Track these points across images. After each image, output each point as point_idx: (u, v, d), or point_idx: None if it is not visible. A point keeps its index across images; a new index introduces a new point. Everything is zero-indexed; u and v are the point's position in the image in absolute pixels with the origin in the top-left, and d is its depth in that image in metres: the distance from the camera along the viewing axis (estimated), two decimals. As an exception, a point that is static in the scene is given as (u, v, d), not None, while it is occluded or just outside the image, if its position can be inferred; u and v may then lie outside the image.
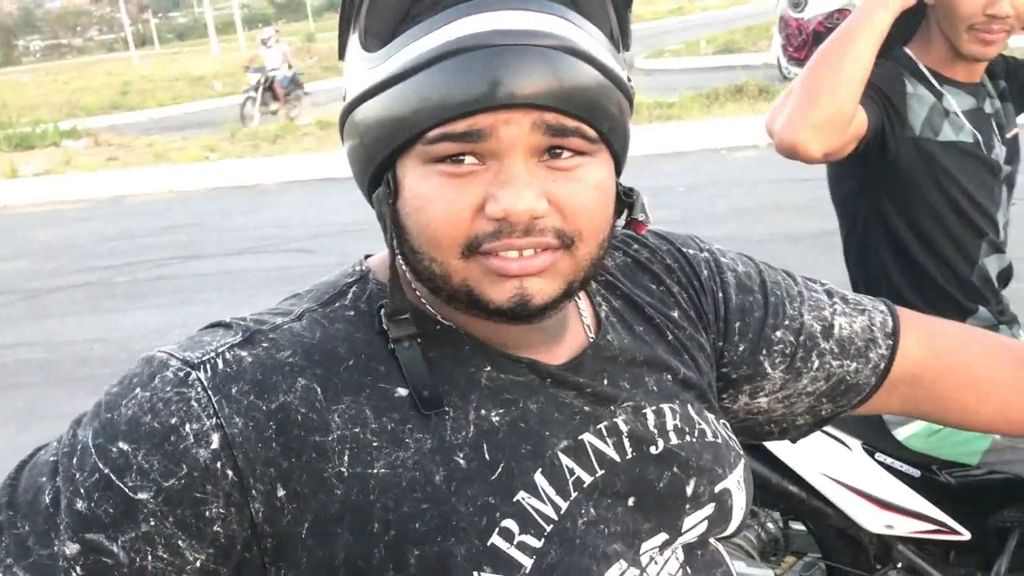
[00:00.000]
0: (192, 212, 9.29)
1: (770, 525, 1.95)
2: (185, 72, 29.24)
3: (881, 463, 1.76)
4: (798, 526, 1.98)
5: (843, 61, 1.47)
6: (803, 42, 1.83)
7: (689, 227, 0.83)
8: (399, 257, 0.73)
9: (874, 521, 1.74)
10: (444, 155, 0.67)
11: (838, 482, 1.75)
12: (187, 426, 0.67)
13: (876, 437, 1.76)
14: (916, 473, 1.76)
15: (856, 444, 1.77)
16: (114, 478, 0.66)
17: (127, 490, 0.66)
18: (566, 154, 0.68)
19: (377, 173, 0.71)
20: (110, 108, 24.21)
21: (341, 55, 0.74)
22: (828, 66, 1.47)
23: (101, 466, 0.67)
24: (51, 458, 0.70)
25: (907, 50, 1.70)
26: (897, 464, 1.76)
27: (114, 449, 0.67)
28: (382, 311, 0.73)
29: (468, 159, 0.67)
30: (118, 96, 26.39)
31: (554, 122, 0.66)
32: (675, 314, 0.87)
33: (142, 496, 0.66)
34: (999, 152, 1.73)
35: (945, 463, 1.76)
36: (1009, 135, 1.77)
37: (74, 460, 0.68)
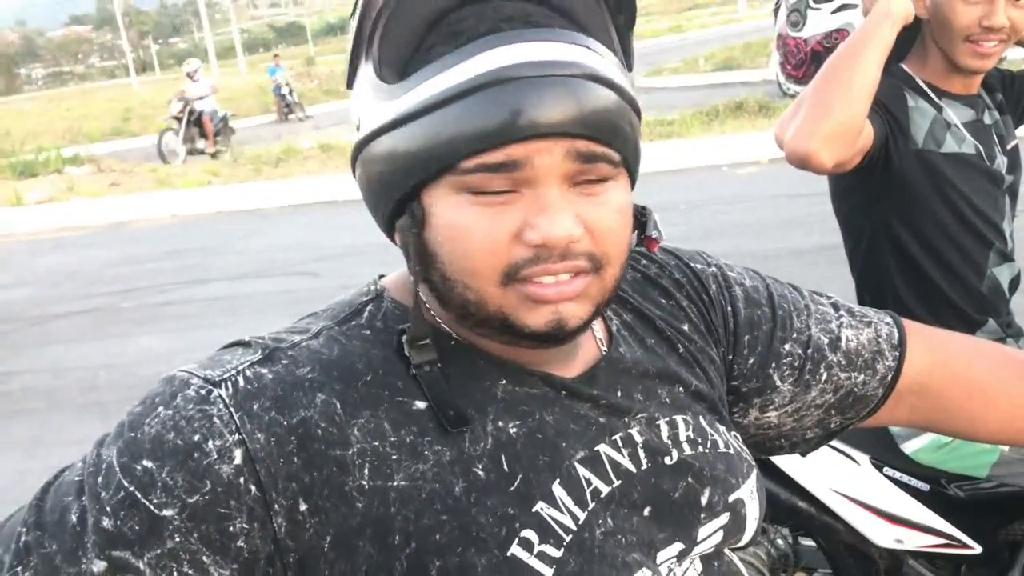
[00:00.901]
0: (196, 237, 9.31)
1: (780, 541, 1.95)
2: (187, 97, 29.33)
3: (890, 477, 1.76)
4: (808, 542, 1.97)
5: (853, 73, 1.48)
6: (801, 60, 1.84)
7: (692, 243, 0.84)
8: (424, 284, 0.74)
9: (884, 536, 1.73)
10: (480, 186, 0.68)
11: (847, 497, 1.75)
12: (210, 442, 0.68)
13: (884, 451, 1.76)
14: (925, 487, 1.76)
15: (864, 459, 1.77)
16: (139, 495, 0.67)
17: (152, 507, 0.67)
18: (593, 178, 0.70)
19: (400, 203, 0.72)
20: (112, 134, 24.32)
21: (350, 84, 0.76)
22: (838, 77, 1.49)
23: (126, 484, 0.68)
24: (76, 478, 0.71)
25: (903, 66, 1.71)
26: (906, 478, 1.76)
27: (139, 467, 0.68)
28: (403, 337, 0.75)
29: (504, 188, 0.69)
30: (120, 122, 26.51)
31: (584, 149, 0.69)
32: (685, 327, 0.88)
33: (167, 513, 0.67)
34: (1001, 163, 1.74)
35: (954, 476, 1.75)
36: (1010, 146, 1.78)
37: (99, 479, 0.69)
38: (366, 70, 0.72)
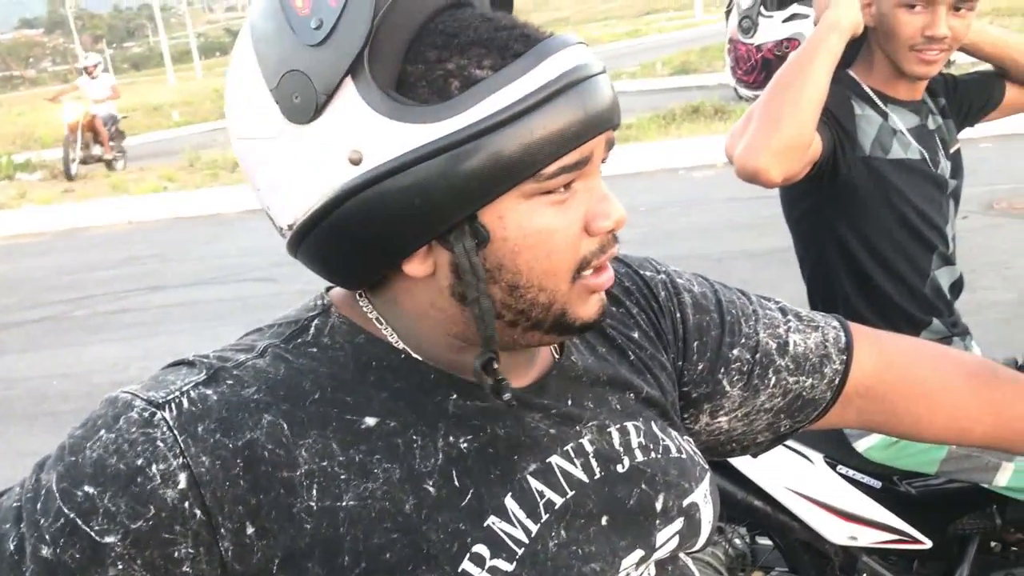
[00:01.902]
0: (152, 243, 9.18)
1: (737, 541, 1.97)
2: (141, 102, 28.93)
3: (843, 475, 1.79)
4: (764, 541, 2.00)
5: (802, 86, 1.50)
6: (752, 67, 1.86)
7: (650, 246, 0.86)
8: (474, 305, 0.70)
9: (838, 533, 1.76)
10: (555, 187, 0.68)
11: (802, 495, 1.77)
12: (154, 466, 0.66)
13: (837, 450, 1.79)
14: (877, 484, 1.79)
15: (818, 457, 1.80)
16: (80, 522, 0.66)
17: (93, 534, 0.66)
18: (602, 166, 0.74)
19: (447, 229, 0.67)
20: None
21: (317, 114, 0.66)
22: (787, 92, 1.51)
23: (66, 510, 0.66)
24: (14, 504, 0.69)
25: (850, 72, 1.74)
26: (858, 476, 1.79)
27: (79, 493, 0.66)
28: (482, 363, 0.72)
29: (574, 184, 0.70)
30: (73, 127, 26.01)
31: (612, 139, 0.72)
32: (635, 335, 0.89)
33: (109, 539, 0.66)
34: (944, 167, 1.78)
35: (905, 473, 1.79)
36: (952, 150, 1.82)
37: (38, 505, 0.67)
38: (355, 93, 0.65)
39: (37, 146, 21.44)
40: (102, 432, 0.68)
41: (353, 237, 0.68)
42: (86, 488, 0.66)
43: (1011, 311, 4.39)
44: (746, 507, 1.80)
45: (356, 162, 0.65)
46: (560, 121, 0.65)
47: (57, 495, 0.67)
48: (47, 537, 0.66)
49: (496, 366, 0.72)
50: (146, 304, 6.79)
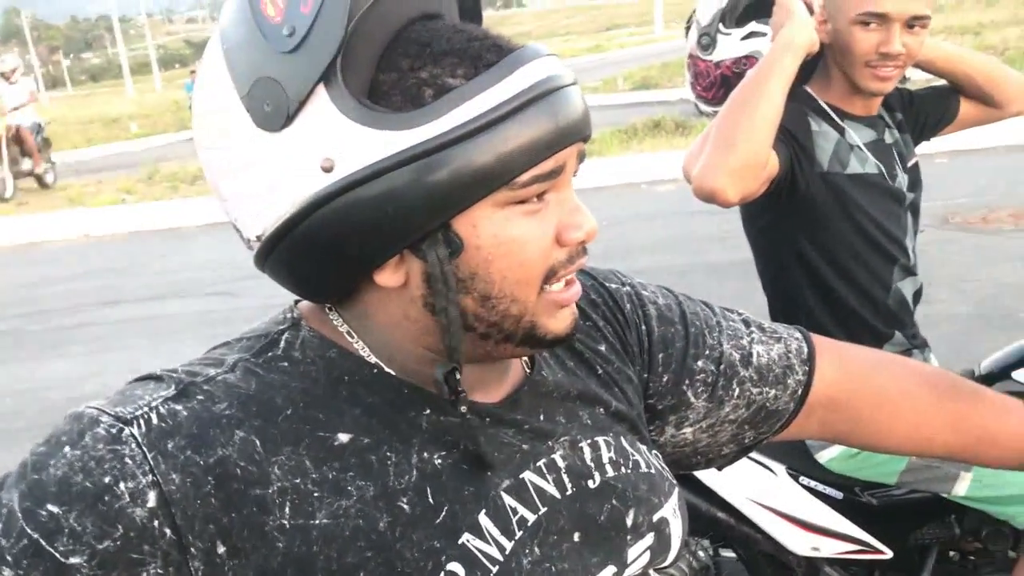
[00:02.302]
0: (109, 257, 9.05)
1: (700, 553, 1.97)
2: (100, 114, 28.62)
3: (805, 486, 1.80)
4: (728, 553, 2.00)
5: (756, 106, 1.51)
6: (712, 83, 1.88)
7: (612, 259, 0.86)
8: (442, 315, 0.70)
9: (801, 544, 1.77)
10: (528, 197, 0.68)
11: (765, 507, 1.78)
12: (122, 484, 0.64)
13: (799, 461, 1.81)
14: (839, 495, 1.80)
15: (781, 469, 1.81)
16: (44, 543, 0.63)
17: (58, 555, 0.63)
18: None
19: (420, 237, 0.67)
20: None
21: (288, 122, 0.66)
22: (742, 112, 1.52)
23: (29, 531, 0.64)
24: None
25: (807, 88, 1.76)
26: (820, 487, 1.80)
27: (43, 512, 0.64)
28: (443, 377, 0.71)
29: (547, 195, 0.70)
30: (29, 139, 25.64)
31: (583, 151, 0.73)
32: (602, 348, 0.89)
33: (75, 560, 0.63)
34: (902, 181, 1.81)
35: (866, 484, 1.80)
36: (910, 164, 1.85)
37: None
38: (327, 99, 0.64)
39: (-9, 158, 21.06)
40: (67, 449, 0.66)
41: (325, 246, 0.67)
42: (50, 507, 0.64)
43: (967, 324, 4.46)
44: (709, 519, 1.81)
45: (328, 170, 0.65)
46: (533, 130, 0.65)
47: (20, 515, 0.64)
48: (9, 559, 0.64)
49: (458, 377, 0.71)
50: (103, 319, 6.68)
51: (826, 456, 1.77)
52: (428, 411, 0.75)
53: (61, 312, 6.95)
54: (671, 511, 0.84)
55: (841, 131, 1.74)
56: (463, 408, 0.72)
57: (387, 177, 0.64)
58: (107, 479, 0.64)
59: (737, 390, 0.93)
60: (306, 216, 0.66)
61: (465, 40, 0.68)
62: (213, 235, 9.54)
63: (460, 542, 0.71)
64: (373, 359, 0.75)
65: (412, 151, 0.63)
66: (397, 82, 0.66)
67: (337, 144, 0.64)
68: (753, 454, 1.75)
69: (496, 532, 0.73)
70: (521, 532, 0.74)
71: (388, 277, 0.70)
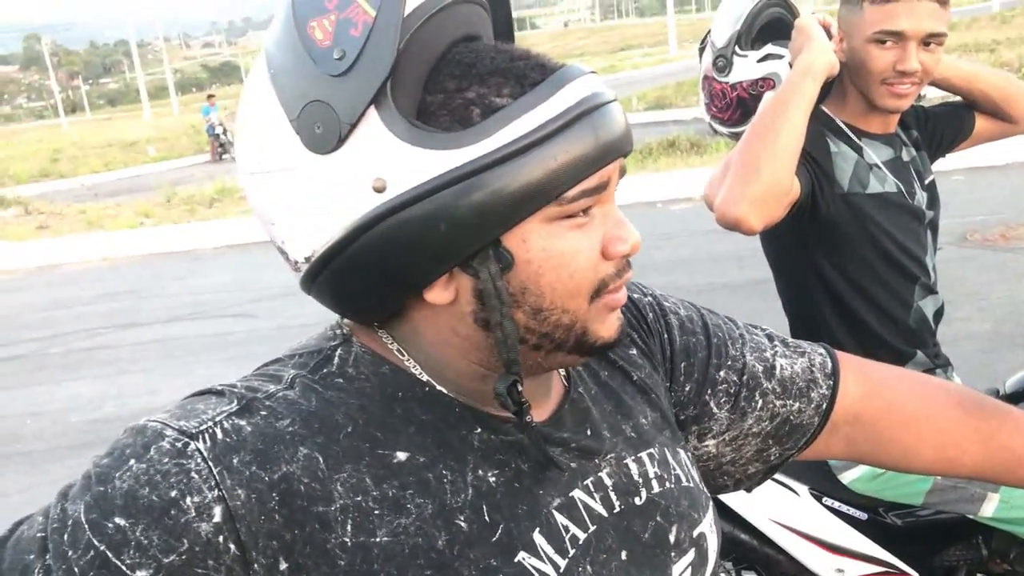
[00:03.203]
0: (127, 279, 9.12)
1: (722, 575, 1.96)
2: (118, 138, 28.92)
3: (829, 507, 1.78)
4: (750, 575, 1.98)
5: (779, 133, 1.50)
6: (727, 104, 1.87)
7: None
8: (497, 329, 0.71)
9: (825, 566, 1.75)
10: (576, 211, 0.70)
11: (788, 528, 1.77)
12: (188, 499, 0.64)
13: (822, 482, 1.79)
14: (863, 516, 1.78)
15: (803, 489, 1.79)
16: (111, 555, 0.63)
17: (124, 568, 0.63)
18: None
19: (471, 253, 0.68)
20: (40, 176, 23.85)
21: (340, 144, 0.67)
22: (764, 139, 1.51)
23: (96, 543, 0.64)
24: (38, 534, 0.66)
25: (824, 107, 1.76)
26: (844, 508, 1.79)
27: (110, 524, 0.64)
28: (505, 391, 0.72)
29: (592, 210, 0.71)
30: (48, 163, 26.02)
31: (624, 165, 0.74)
32: (633, 352, 0.90)
33: (140, 573, 0.63)
34: (921, 198, 1.80)
35: (891, 505, 1.78)
36: (927, 181, 1.84)
37: (65, 536, 0.65)
38: (379, 121, 0.66)
39: (11, 182, 21.35)
40: (132, 462, 0.66)
41: (377, 265, 0.68)
42: (117, 520, 0.64)
43: (988, 342, 4.43)
44: (732, 540, 1.79)
45: (380, 190, 0.66)
46: (580, 146, 0.67)
47: (86, 526, 0.64)
48: (76, 570, 0.63)
49: (520, 389, 0.72)
50: (121, 341, 6.73)
51: (850, 477, 1.76)
52: (479, 430, 0.75)
53: (80, 335, 7.00)
54: (708, 526, 0.84)
55: (859, 150, 1.73)
56: (529, 418, 0.72)
57: (439, 196, 0.65)
58: (173, 493, 0.64)
59: (760, 402, 0.93)
60: (358, 236, 0.67)
61: (508, 60, 0.70)
62: (230, 257, 9.60)
63: (516, 560, 0.71)
64: (424, 376, 0.75)
65: (463, 170, 0.64)
66: (444, 102, 0.68)
67: (389, 164, 0.65)
68: (775, 474, 1.74)
69: (550, 550, 0.73)
70: (574, 550, 0.74)
71: (438, 294, 0.70)
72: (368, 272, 0.69)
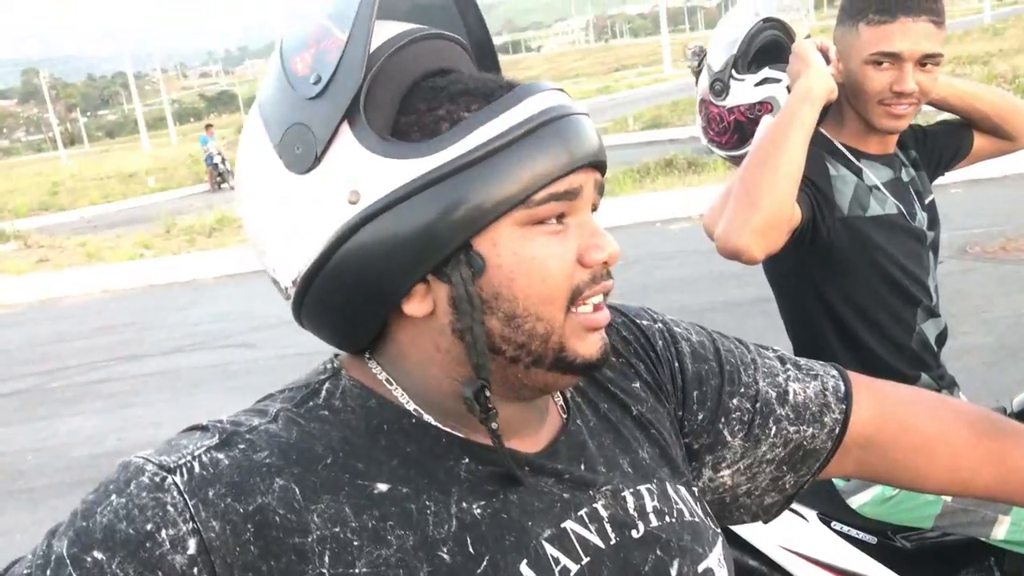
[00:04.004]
0: (128, 311, 9.12)
1: (733, 602, 1.93)
2: (117, 169, 29.03)
3: (838, 532, 1.77)
4: (760, 601, 1.96)
5: (779, 162, 1.50)
6: (724, 128, 1.87)
7: (628, 300, 0.86)
8: (467, 333, 0.72)
9: (835, 591, 1.73)
10: (550, 215, 0.71)
11: (797, 554, 1.75)
12: (163, 532, 0.65)
13: (831, 506, 1.77)
14: (873, 540, 1.77)
15: (812, 515, 1.78)
16: None
17: None
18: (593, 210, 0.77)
19: (443, 259, 0.70)
20: (39, 209, 23.92)
21: (316, 163, 0.70)
22: (764, 168, 1.50)
23: None
24: (25, 571, 0.68)
25: (821, 129, 1.75)
26: (853, 532, 1.77)
27: (88, 559, 0.65)
28: (471, 394, 0.72)
29: (567, 219, 0.73)
30: (47, 196, 26.11)
31: (601, 181, 0.76)
32: (636, 385, 0.89)
33: None
34: (921, 219, 1.79)
35: (900, 528, 1.77)
36: (927, 201, 1.84)
37: (48, 572, 0.67)
38: (351, 136, 0.69)
39: (10, 216, 21.41)
40: (113, 497, 0.67)
41: (355, 278, 0.70)
42: (95, 554, 0.65)
43: (992, 355, 4.42)
44: (741, 568, 1.77)
45: (354, 202, 0.69)
46: (545, 150, 0.69)
47: (68, 561, 0.66)
48: None
49: (488, 395, 0.72)
50: (123, 374, 6.72)
51: (859, 501, 1.74)
52: (467, 460, 0.75)
53: (81, 368, 6.99)
54: (716, 561, 0.83)
55: (858, 172, 1.73)
56: (494, 425, 0.72)
57: (409, 202, 0.68)
58: (149, 526, 0.65)
59: (774, 428, 0.92)
60: (336, 249, 0.70)
61: (478, 82, 0.73)
62: (230, 287, 9.60)
63: None
64: (412, 406, 0.76)
65: (430, 176, 0.67)
66: (416, 121, 0.71)
67: (361, 176, 0.69)
68: (784, 501, 1.72)
69: None
70: None
71: (416, 306, 0.72)
72: (348, 285, 0.71)
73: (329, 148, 0.69)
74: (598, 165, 0.74)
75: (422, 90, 0.73)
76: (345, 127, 0.69)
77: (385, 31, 0.73)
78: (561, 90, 0.73)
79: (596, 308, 0.75)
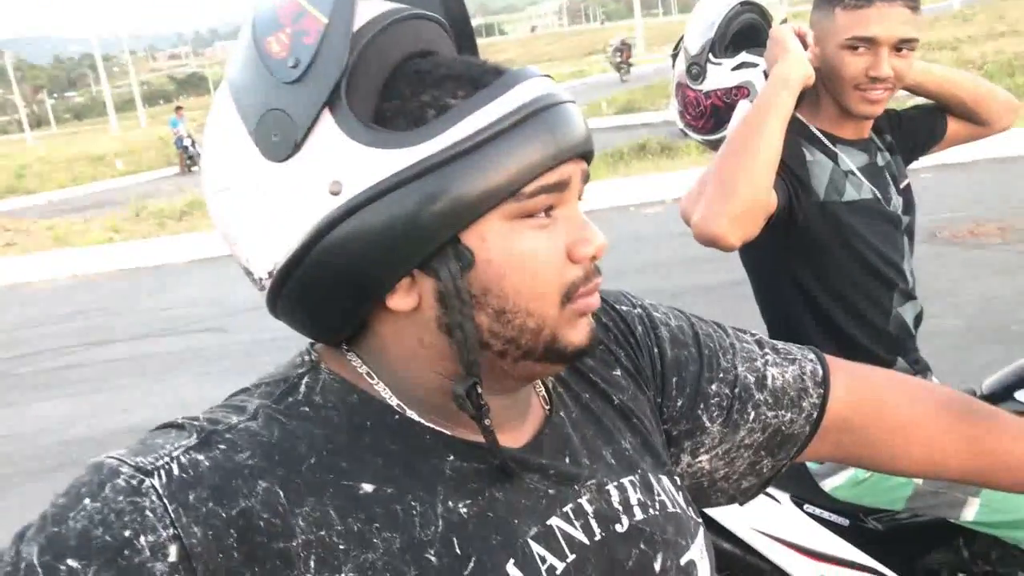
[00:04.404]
0: (97, 296, 9.01)
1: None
2: (85, 152, 28.62)
3: (810, 514, 1.78)
4: (734, 584, 1.98)
5: (756, 148, 1.50)
6: (701, 112, 1.87)
7: (604, 284, 0.85)
8: (456, 330, 0.70)
9: (808, 573, 1.75)
10: (535, 209, 0.69)
11: (770, 536, 1.76)
12: (142, 538, 0.62)
13: (804, 489, 1.79)
14: (845, 522, 1.78)
15: (785, 497, 1.79)
16: None
17: None
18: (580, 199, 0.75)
19: (429, 253, 0.68)
20: (6, 192, 23.57)
21: (286, 155, 0.67)
22: (741, 155, 1.50)
23: None
24: None
25: (797, 114, 1.75)
26: (826, 514, 1.78)
27: (62, 567, 0.61)
28: (459, 392, 0.70)
29: (555, 212, 0.71)
30: (14, 180, 25.69)
31: (587, 171, 0.74)
32: (617, 373, 0.88)
33: None
34: (896, 203, 1.80)
35: (872, 510, 1.78)
36: (902, 185, 1.85)
37: None
38: (333, 124, 0.66)
39: (-24, 199, 21.07)
40: (87, 501, 0.64)
41: (337, 272, 0.67)
42: (70, 562, 0.61)
43: (961, 339, 4.47)
44: (715, 550, 1.78)
45: (336, 193, 0.66)
46: (535, 142, 0.67)
47: (39, 569, 0.62)
48: None
49: (480, 390, 0.70)
50: (92, 359, 6.64)
51: (831, 484, 1.75)
52: (452, 457, 0.73)
53: (50, 353, 6.90)
54: (698, 552, 0.82)
55: (834, 157, 1.73)
56: (487, 421, 0.71)
57: (395, 194, 0.65)
58: (127, 533, 0.62)
59: (752, 413, 0.91)
60: (317, 242, 0.66)
61: (464, 66, 0.71)
62: (201, 271, 9.52)
63: None
64: (395, 401, 0.74)
65: (417, 167, 0.65)
66: (400, 107, 0.68)
67: (344, 166, 0.65)
68: (759, 484, 1.73)
69: None
70: None
71: (401, 300, 0.69)
72: (329, 280, 0.68)
73: (309, 136, 0.66)
74: (586, 155, 0.72)
75: (405, 74, 0.70)
76: (326, 114, 0.65)
77: (366, 11, 0.70)
78: (548, 76, 0.71)
79: (587, 293, 0.74)
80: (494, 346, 0.71)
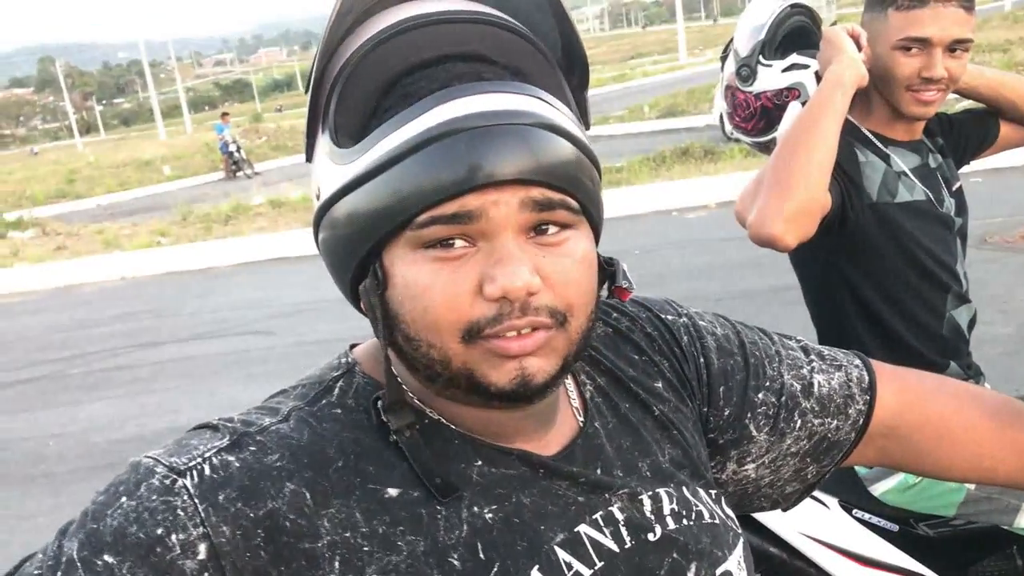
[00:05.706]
0: (145, 298, 9.17)
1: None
2: (133, 157, 29.11)
3: (859, 519, 1.76)
4: (781, 588, 1.96)
5: (811, 149, 1.49)
6: (751, 114, 1.86)
7: (645, 289, 0.84)
8: (390, 348, 0.71)
9: (856, 578, 1.73)
10: (434, 239, 0.66)
11: (818, 541, 1.74)
12: (173, 536, 0.65)
13: (853, 494, 1.77)
14: (894, 527, 1.76)
15: (833, 502, 1.77)
16: None
17: None
18: (552, 229, 0.68)
19: (361, 265, 0.70)
20: (57, 197, 24.06)
21: (309, 157, 0.75)
22: (796, 155, 1.50)
23: None
24: (36, 571, 0.67)
25: (849, 116, 1.74)
26: (875, 519, 1.76)
27: (99, 562, 0.64)
28: (379, 403, 0.72)
29: (458, 242, 0.66)
30: (65, 184, 26.23)
31: (540, 197, 0.67)
32: (659, 385, 0.87)
33: None
34: (949, 205, 1.78)
35: (922, 516, 1.76)
36: (954, 188, 1.82)
37: (59, 574, 0.66)
38: (323, 140, 0.72)
39: (29, 204, 21.55)
40: (123, 499, 0.67)
41: (325, 255, 0.74)
42: (106, 557, 0.64)
43: (1012, 345, 4.39)
44: (761, 554, 1.77)
45: (318, 197, 0.73)
46: (431, 170, 0.65)
47: (78, 564, 0.65)
48: None
49: (380, 405, 0.72)
50: (141, 360, 6.76)
51: (880, 489, 1.74)
52: (479, 462, 0.73)
53: (100, 355, 7.03)
54: (735, 564, 0.81)
55: (886, 158, 1.72)
56: (399, 437, 0.71)
57: (331, 210, 0.70)
58: (159, 530, 0.65)
59: (799, 422, 0.91)
60: (316, 232, 0.75)
61: (428, 82, 0.68)
62: (247, 274, 9.64)
63: None
64: (420, 404, 0.75)
65: (344, 187, 0.69)
66: (367, 124, 0.70)
67: (319, 176, 0.73)
68: (807, 488, 1.72)
69: None
70: None
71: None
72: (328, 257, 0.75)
73: (315, 149, 0.74)
74: (534, 182, 0.66)
75: (395, 89, 0.69)
76: (320, 131, 0.73)
77: (383, 20, 0.70)
78: (500, 92, 0.66)
79: (518, 337, 0.67)
80: (419, 369, 0.71)
